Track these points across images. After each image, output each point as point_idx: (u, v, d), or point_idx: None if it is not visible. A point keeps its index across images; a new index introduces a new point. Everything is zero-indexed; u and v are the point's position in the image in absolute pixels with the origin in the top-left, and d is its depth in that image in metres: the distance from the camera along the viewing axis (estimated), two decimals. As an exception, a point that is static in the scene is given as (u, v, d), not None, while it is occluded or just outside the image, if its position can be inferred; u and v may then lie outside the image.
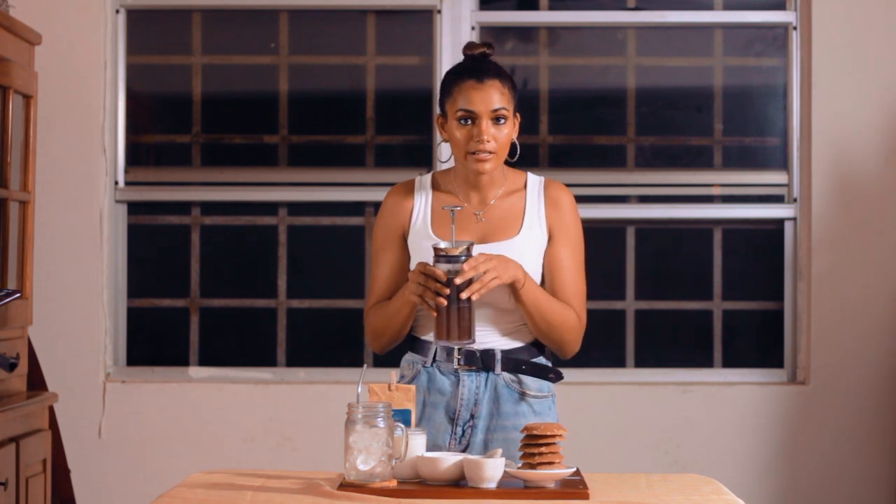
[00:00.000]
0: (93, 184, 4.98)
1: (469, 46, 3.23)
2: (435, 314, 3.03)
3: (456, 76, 3.18)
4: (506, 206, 3.20)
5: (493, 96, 3.12)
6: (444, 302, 3.00)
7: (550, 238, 3.20)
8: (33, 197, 4.40)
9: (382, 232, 3.24)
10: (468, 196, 3.21)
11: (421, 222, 3.20)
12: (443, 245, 3.02)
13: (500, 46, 5.11)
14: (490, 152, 3.12)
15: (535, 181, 3.24)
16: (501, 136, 3.13)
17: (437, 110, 3.24)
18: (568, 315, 3.16)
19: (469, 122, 3.13)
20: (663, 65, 5.18)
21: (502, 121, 3.13)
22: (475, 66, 3.18)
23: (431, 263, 3.03)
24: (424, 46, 5.11)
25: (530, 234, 3.18)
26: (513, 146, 3.19)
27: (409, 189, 3.25)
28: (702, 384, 4.99)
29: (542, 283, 3.20)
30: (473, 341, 3.06)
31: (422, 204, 3.22)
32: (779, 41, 5.11)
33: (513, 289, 3.10)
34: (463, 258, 3.00)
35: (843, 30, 4.95)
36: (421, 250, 3.17)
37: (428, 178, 3.27)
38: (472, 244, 3.03)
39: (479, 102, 3.12)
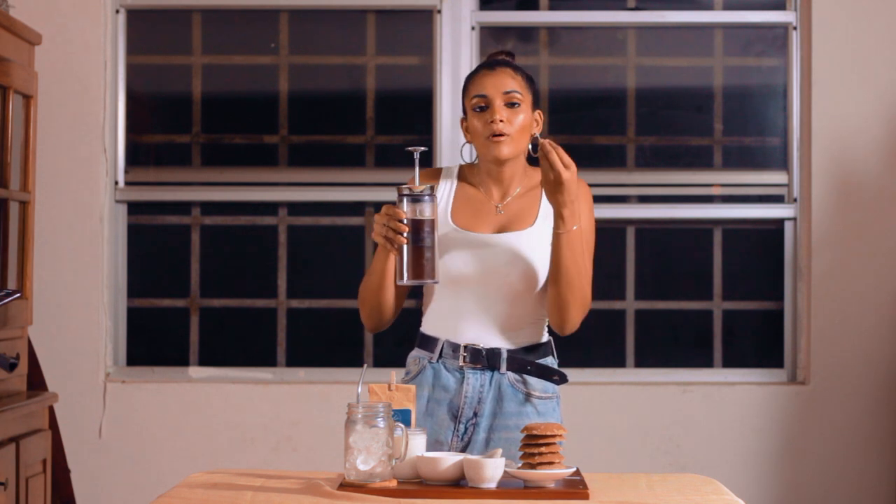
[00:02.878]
0: (93, 184, 4.99)
1: (489, 56, 3.32)
2: (395, 254, 3.02)
3: (472, 73, 3.25)
4: (524, 200, 3.23)
5: (505, 79, 3.17)
6: (404, 241, 2.99)
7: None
8: (33, 197, 4.40)
9: None
10: (490, 190, 3.24)
11: (441, 208, 3.22)
12: (405, 185, 3.01)
13: (500, 47, 5.11)
14: (504, 133, 3.14)
15: None
16: (516, 119, 3.16)
17: (461, 114, 3.28)
18: (587, 280, 3.14)
19: (484, 108, 3.17)
20: (663, 65, 5.18)
21: (516, 105, 3.17)
22: (490, 60, 3.26)
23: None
24: (424, 46, 5.11)
25: (545, 225, 3.19)
26: (534, 140, 3.20)
27: (435, 175, 3.29)
28: (702, 384, 4.99)
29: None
30: (436, 280, 3.03)
31: (446, 191, 3.25)
32: (779, 41, 5.11)
33: (561, 215, 3.05)
34: (426, 196, 2.99)
35: (843, 30, 4.95)
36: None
37: (455, 168, 3.30)
38: (434, 185, 3.04)
39: (490, 87, 3.17)
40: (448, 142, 5.00)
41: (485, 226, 3.20)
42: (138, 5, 5.10)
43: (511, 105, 3.16)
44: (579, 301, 3.13)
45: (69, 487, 4.71)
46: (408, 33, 5.17)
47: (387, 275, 3.13)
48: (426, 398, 3.21)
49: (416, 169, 3.06)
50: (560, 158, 3.01)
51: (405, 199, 2.99)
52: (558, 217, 3.07)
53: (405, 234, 2.99)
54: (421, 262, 2.99)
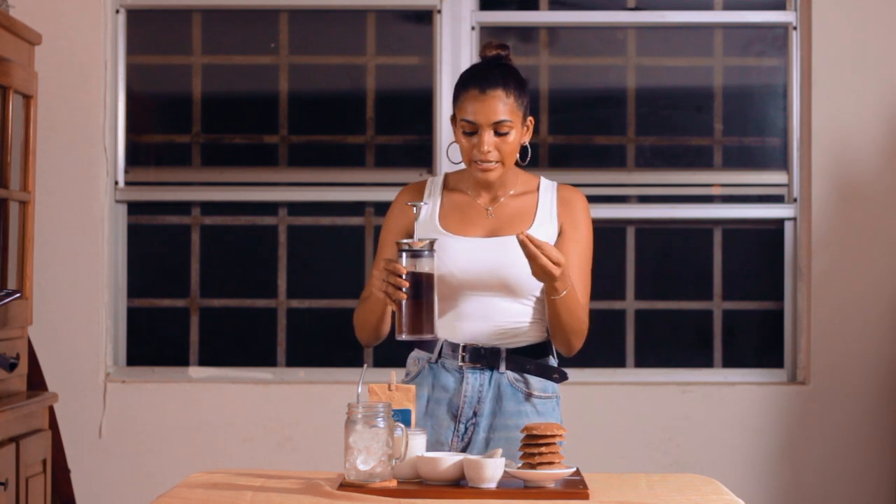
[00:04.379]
0: (93, 184, 4.99)
1: (484, 48, 3.25)
2: (395, 308, 3.04)
3: (463, 82, 3.19)
4: (517, 203, 3.22)
5: (496, 107, 3.13)
6: (404, 296, 3.01)
7: (560, 235, 3.21)
8: (33, 197, 4.40)
9: (388, 229, 3.28)
10: (479, 194, 3.24)
11: (428, 216, 3.22)
12: (405, 240, 3.03)
13: (495, 39, 5.10)
14: (492, 161, 3.14)
15: (548, 184, 3.27)
16: (505, 146, 3.14)
17: (451, 111, 3.26)
18: (584, 314, 3.18)
19: (471, 133, 3.14)
20: (663, 65, 5.18)
21: (506, 133, 3.14)
22: (482, 73, 3.18)
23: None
24: (424, 46, 5.11)
25: (541, 231, 3.19)
26: (524, 149, 3.20)
27: (419, 189, 3.28)
28: (702, 384, 4.99)
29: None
30: (435, 337, 3.07)
31: (431, 201, 3.24)
32: (779, 41, 5.11)
33: (552, 287, 3.08)
34: (426, 252, 3.01)
35: (843, 30, 4.95)
36: None
37: (440, 178, 3.30)
38: (435, 240, 3.04)
39: (480, 114, 3.13)
40: (448, 142, 5.00)
41: (476, 229, 3.20)
42: (138, 5, 5.10)
43: (501, 133, 3.15)
44: (579, 337, 3.19)
45: (69, 487, 4.71)
46: (408, 33, 5.17)
47: (385, 315, 3.18)
48: (426, 398, 3.21)
49: (417, 224, 3.08)
50: (548, 257, 2.99)
51: (404, 255, 3.02)
52: (550, 289, 3.07)
53: (405, 290, 3.01)
54: (420, 317, 3.03)
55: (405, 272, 3.00)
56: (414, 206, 3.12)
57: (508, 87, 3.15)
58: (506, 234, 3.18)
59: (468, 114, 3.13)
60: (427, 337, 3.04)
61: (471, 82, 3.16)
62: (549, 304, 3.12)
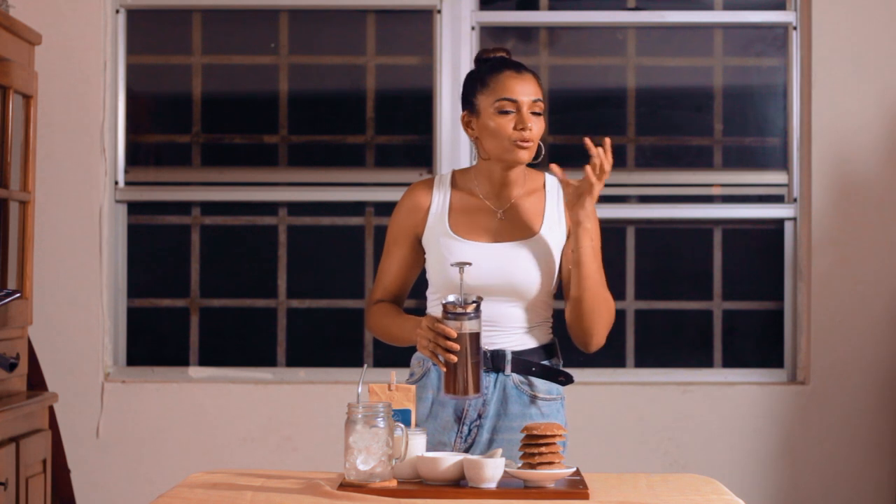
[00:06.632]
0: (93, 184, 4.99)
1: (485, 51, 3.26)
2: (444, 369, 3.04)
3: (492, 68, 3.19)
4: (526, 205, 3.22)
5: (533, 87, 3.16)
6: (455, 359, 3.00)
7: (569, 237, 3.21)
8: (33, 197, 4.40)
9: (396, 228, 3.27)
10: (489, 195, 3.23)
11: (437, 218, 3.22)
12: (451, 299, 3.01)
13: (497, 44, 5.10)
14: (531, 141, 3.15)
15: (553, 182, 3.26)
16: (537, 128, 3.17)
17: (461, 109, 3.24)
18: (609, 296, 3.20)
19: (510, 111, 3.14)
20: (663, 65, 5.18)
21: (539, 114, 3.17)
22: (508, 60, 3.21)
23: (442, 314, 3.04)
24: (424, 46, 5.11)
25: (550, 234, 3.20)
26: (539, 147, 3.20)
27: (427, 187, 3.26)
28: (702, 384, 4.99)
29: (560, 283, 3.22)
30: (480, 395, 3.06)
31: (440, 201, 3.23)
32: (779, 41, 5.11)
33: (582, 232, 3.12)
34: (471, 315, 3.00)
35: (843, 30, 4.95)
36: (437, 246, 3.18)
37: (448, 175, 3.28)
38: (480, 300, 3.02)
39: (520, 92, 3.15)
40: (448, 142, 5.00)
41: (485, 234, 3.20)
42: (138, 5, 5.10)
43: (536, 113, 3.16)
44: (608, 316, 3.21)
45: (69, 487, 4.71)
46: (408, 33, 5.17)
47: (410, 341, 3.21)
48: (430, 400, 3.20)
49: (462, 284, 3.05)
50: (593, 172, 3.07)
51: (451, 317, 3.01)
52: (583, 230, 3.10)
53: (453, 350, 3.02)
54: (467, 378, 3.02)
55: (455, 335, 3.00)
56: (460, 266, 3.09)
57: (536, 76, 3.20)
58: (517, 239, 3.18)
59: (508, 91, 3.14)
60: (473, 397, 3.05)
61: (503, 66, 3.18)
62: (580, 263, 3.12)
